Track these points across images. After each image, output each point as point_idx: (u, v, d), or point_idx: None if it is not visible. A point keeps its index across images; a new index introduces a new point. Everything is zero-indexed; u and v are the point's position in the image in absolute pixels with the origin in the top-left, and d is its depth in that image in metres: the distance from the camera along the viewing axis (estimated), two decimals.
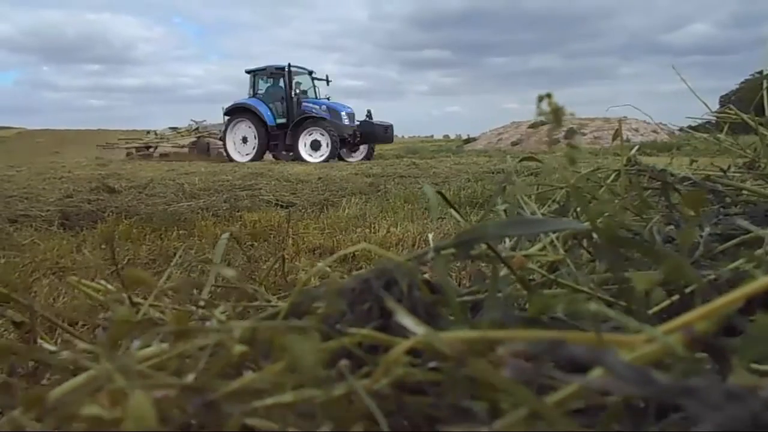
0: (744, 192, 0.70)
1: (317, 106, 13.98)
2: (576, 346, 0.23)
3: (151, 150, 16.10)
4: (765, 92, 0.87)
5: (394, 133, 15.39)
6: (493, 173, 6.90)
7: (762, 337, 0.23)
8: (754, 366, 0.37)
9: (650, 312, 0.54)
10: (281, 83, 14.46)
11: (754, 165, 0.87)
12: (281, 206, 4.68)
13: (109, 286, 0.49)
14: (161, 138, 17.04)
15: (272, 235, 3.40)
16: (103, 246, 3.14)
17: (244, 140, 14.36)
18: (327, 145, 13.18)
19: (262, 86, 14.87)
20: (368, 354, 0.33)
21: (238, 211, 4.32)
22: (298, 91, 14.31)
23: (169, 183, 5.83)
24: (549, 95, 0.31)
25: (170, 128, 17.65)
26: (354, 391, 0.31)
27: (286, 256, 2.82)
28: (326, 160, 12.64)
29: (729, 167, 0.77)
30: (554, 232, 0.49)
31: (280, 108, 14.33)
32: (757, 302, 0.36)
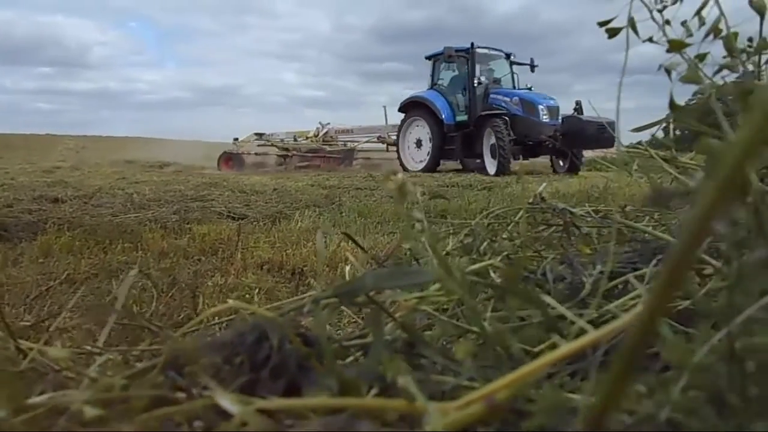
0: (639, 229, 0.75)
1: (507, 99, 10.44)
2: (366, 423, 0.25)
3: (288, 160, 13.16)
4: (672, 130, 0.94)
5: None
6: (447, 187, 7.01)
7: (547, 407, 0.26)
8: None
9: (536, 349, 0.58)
10: (466, 70, 11.17)
11: None
12: (233, 218, 4.62)
13: None
14: (289, 143, 13.97)
15: (221, 249, 3.36)
16: (41, 260, 3.03)
17: (418, 144, 11.49)
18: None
19: (445, 76, 11.78)
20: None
21: (187, 223, 4.24)
22: (483, 79, 11.01)
23: (117, 193, 5.67)
24: (395, 173, 0.33)
25: (255, 134, 14.65)
26: None
27: (233, 272, 2.80)
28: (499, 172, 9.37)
29: (626, 206, 0.83)
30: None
31: (462, 102, 11.17)
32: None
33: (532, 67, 11.99)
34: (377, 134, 13.19)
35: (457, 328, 0.55)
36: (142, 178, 7.85)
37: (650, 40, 0.48)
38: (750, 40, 0.46)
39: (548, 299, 0.42)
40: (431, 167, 10.91)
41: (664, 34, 0.46)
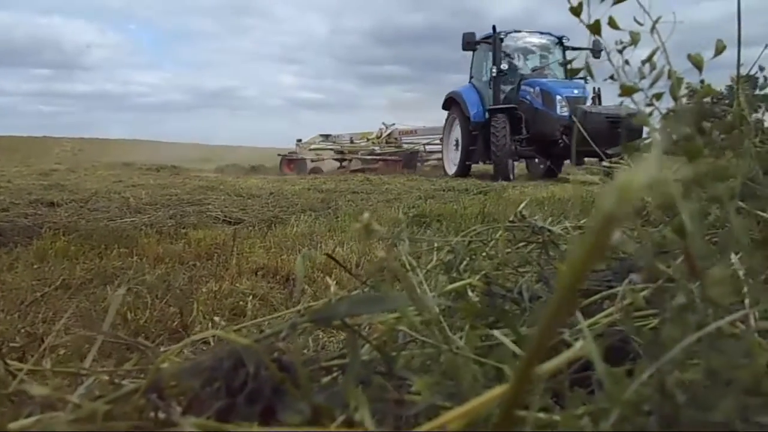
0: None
1: (531, 89, 9.00)
2: None
3: (346, 164, 12.31)
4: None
5: None
6: (444, 191, 7.03)
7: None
8: None
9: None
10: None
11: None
12: (229, 223, 4.63)
13: None
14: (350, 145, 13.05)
15: (216, 255, 3.37)
16: (36, 265, 3.04)
17: (457, 144, 10.20)
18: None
19: (485, 69, 10.15)
20: None
21: (183, 228, 4.25)
22: (505, 68, 9.51)
23: (113, 196, 5.68)
24: (365, 215, 0.35)
25: (321, 135, 13.86)
26: None
27: (228, 278, 2.81)
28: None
29: None
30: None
31: (495, 96, 9.73)
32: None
33: (595, 52, 10.50)
34: (441, 135, 11.56)
35: (433, 348, 0.57)
36: (138, 181, 7.87)
37: (611, 78, 0.51)
38: (702, 81, 0.48)
39: (497, 333, 0.44)
40: (461, 171, 9.78)
41: (619, 76, 0.48)
